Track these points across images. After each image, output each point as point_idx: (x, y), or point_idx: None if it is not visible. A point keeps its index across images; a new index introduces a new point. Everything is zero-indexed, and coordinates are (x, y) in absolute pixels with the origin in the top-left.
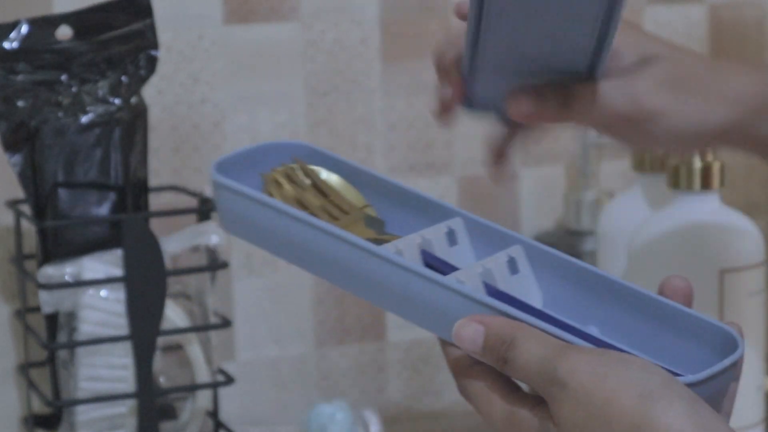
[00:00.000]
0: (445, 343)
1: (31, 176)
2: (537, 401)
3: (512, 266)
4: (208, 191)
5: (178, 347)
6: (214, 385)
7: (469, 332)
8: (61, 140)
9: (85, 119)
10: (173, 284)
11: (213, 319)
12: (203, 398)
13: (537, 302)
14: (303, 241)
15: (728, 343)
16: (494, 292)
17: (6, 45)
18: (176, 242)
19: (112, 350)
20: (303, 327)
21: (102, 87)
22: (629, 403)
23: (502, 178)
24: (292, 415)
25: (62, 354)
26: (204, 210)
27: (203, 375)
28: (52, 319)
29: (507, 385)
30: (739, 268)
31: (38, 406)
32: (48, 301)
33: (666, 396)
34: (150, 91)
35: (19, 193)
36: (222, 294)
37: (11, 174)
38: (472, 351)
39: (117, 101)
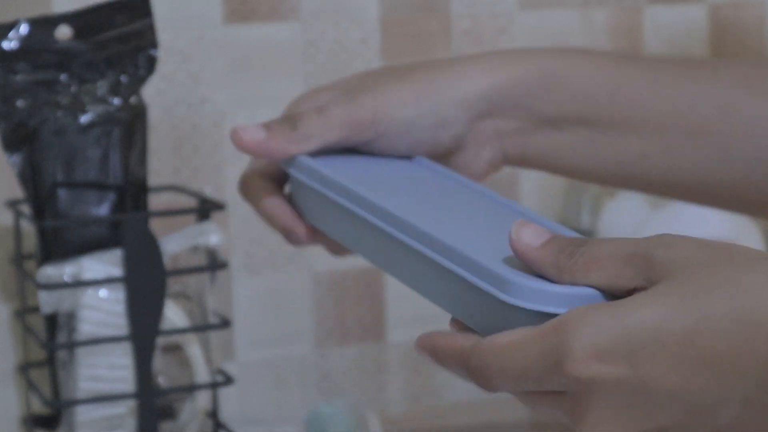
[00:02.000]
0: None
1: (30, 176)
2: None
3: None
4: (207, 191)
5: (177, 347)
6: (213, 385)
7: (530, 229)
8: (61, 140)
9: (84, 119)
10: (173, 284)
11: (213, 319)
12: (203, 398)
13: None
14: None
15: None
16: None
17: (5, 45)
18: (176, 242)
19: (112, 350)
20: (303, 327)
21: (101, 87)
22: (744, 257)
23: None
24: (292, 415)
25: (62, 354)
26: (204, 210)
27: (203, 375)
28: (52, 320)
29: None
30: None
31: (38, 406)
32: (47, 301)
33: None
34: (150, 91)
35: (19, 193)
36: (222, 294)
37: (11, 174)
38: (531, 247)
39: (116, 101)
